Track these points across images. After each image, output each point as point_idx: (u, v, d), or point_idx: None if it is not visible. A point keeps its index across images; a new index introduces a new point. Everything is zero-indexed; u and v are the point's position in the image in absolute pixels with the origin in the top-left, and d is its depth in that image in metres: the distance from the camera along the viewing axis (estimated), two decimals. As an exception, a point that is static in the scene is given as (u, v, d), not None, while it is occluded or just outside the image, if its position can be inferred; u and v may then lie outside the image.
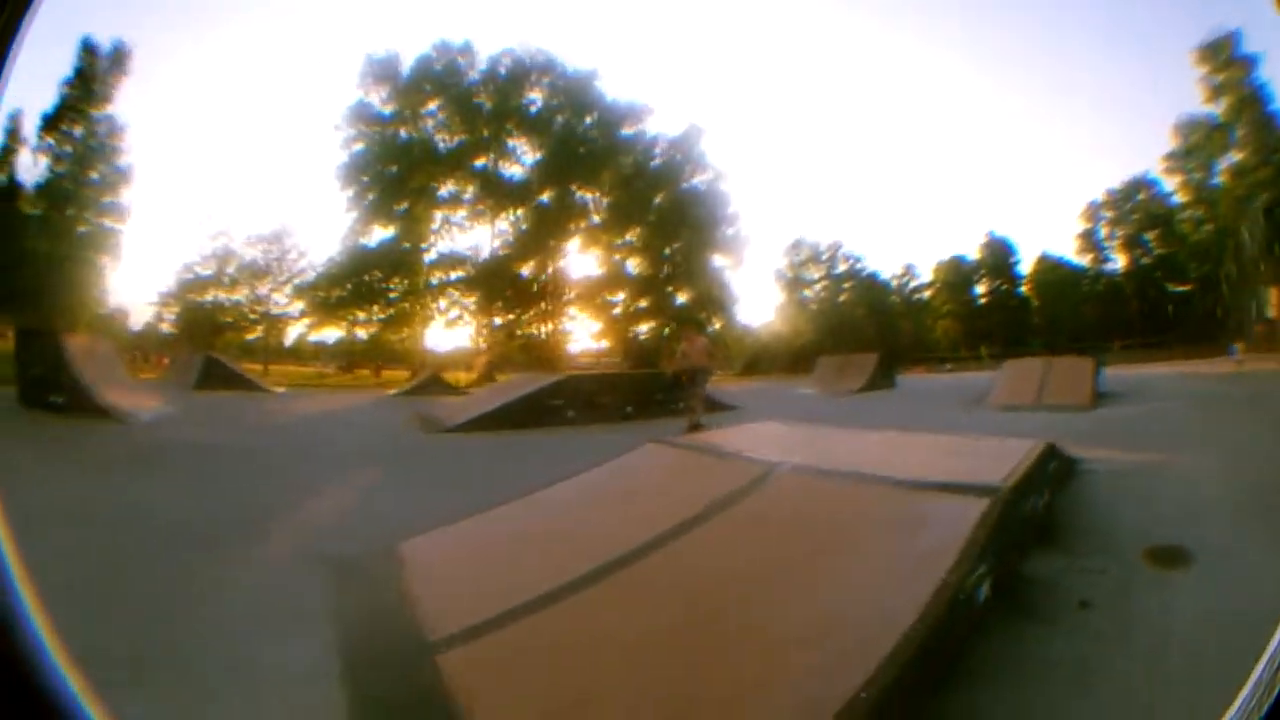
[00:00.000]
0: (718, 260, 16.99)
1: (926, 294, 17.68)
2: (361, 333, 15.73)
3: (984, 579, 2.65)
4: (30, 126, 11.03)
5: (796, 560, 2.97)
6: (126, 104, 11.53)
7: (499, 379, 14.47)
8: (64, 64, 10.82)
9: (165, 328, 14.24)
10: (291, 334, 15.51)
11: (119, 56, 11.13)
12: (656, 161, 16.46)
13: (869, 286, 17.68)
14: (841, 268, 17.73)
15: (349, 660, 2.50)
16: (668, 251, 16.53)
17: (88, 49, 10.89)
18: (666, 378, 9.87)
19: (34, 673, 1.01)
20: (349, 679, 2.37)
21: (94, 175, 11.68)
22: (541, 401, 9.26)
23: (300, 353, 15.35)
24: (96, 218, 11.76)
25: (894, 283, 17.83)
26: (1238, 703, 1.07)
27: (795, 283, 17.47)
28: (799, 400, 12.60)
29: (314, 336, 15.69)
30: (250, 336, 14.88)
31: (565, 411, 9.15)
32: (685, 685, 2.20)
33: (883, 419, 8.89)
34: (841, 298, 17.51)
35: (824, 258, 17.68)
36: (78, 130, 11.43)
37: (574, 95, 16.00)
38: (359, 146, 15.31)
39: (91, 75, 11.01)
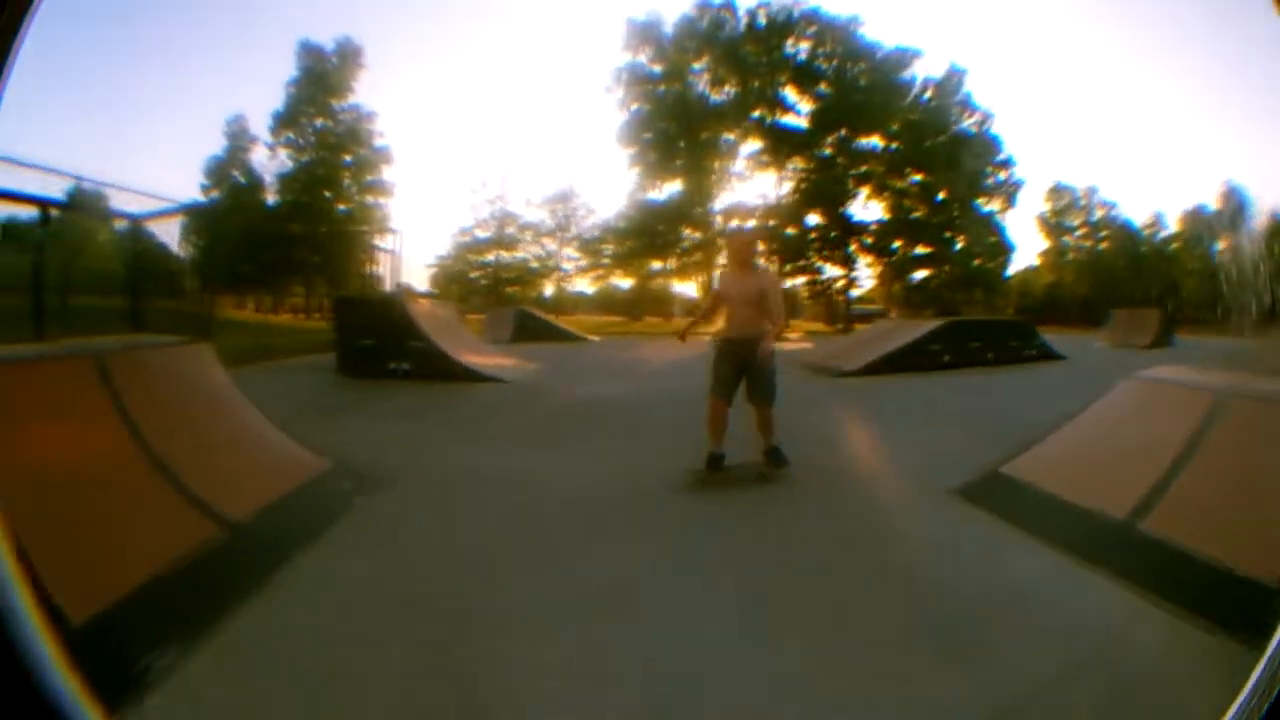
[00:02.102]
0: (988, 206, 16.30)
1: (1174, 246, 15.19)
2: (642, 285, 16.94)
3: None
4: (259, 127, 12.09)
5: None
6: (373, 93, 12.60)
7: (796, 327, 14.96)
8: (273, 68, 11.95)
9: (456, 286, 15.57)
10: (575, 287, 16.99)
11: (350, 52, 12.27)
12: (928, 105, 15.94)
13: (1125, 236, 15.73)
14: (1098, 214, 16.02)
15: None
16: (941, 197, 16.10)
17: (310, 50, 12.06)
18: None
19: (34, 673, 1.01)
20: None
21: (347, 158, 12.70)
22: (923, 346, 9.55)
23: (560, 304, 16.54)
24: (359, 195, 12.80)
25: (1144, 232, 15.68)
26: (1238, 703, 1.05)
27: (1057, 229, 16.40)
28: (1106, 354, 11.79)
29: (572, 288, 17.07)
30: (533, 293, 16.25)
31: (941, 356, 9.42)
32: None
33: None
34: (1102, 245, 15.90)
35: (1080, 204, 16.11)
36: (318, 122, 12.44)
37: (842, 42, 15.80)
38: (635, 106, 16.08)
39: (323, 72, 12.09)
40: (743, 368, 4.70)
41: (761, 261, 5.51)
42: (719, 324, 5.03)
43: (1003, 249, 16.62)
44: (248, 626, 2.59)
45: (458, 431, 6.12)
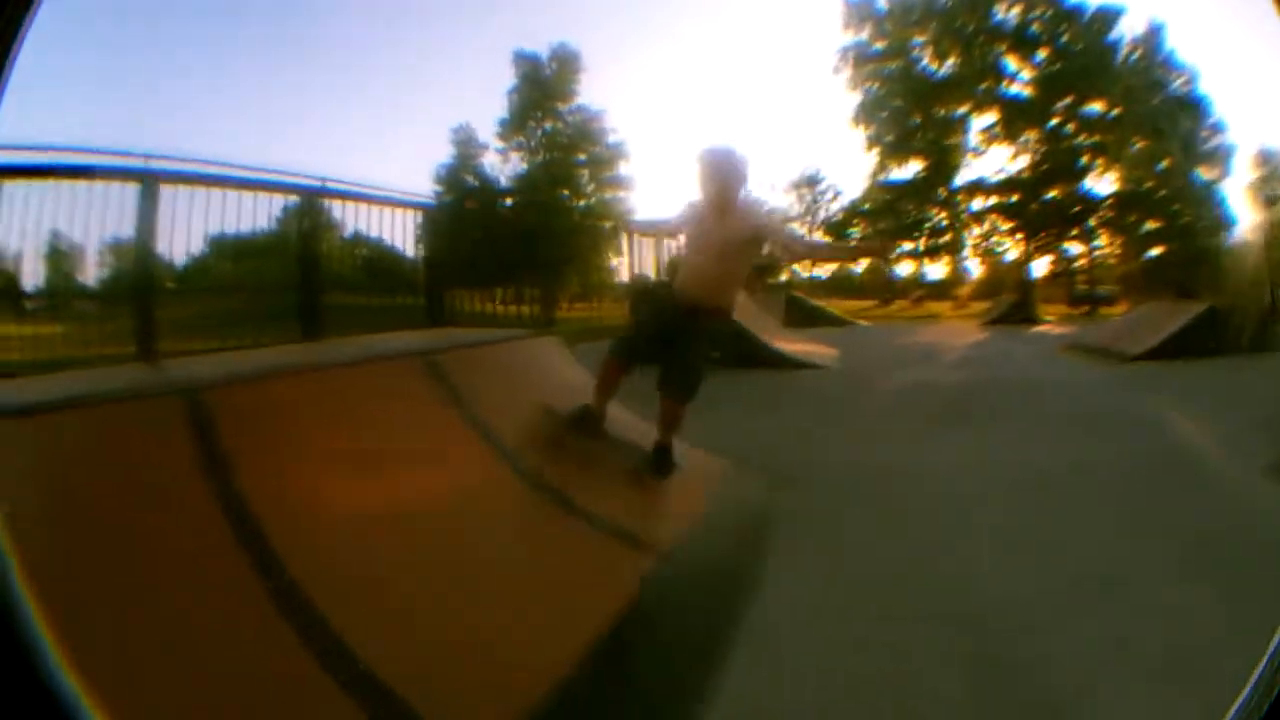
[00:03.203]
0: (1206, 175, 14.68)
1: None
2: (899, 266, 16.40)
3: None
4: (485, 134, 12.56)
5: None
6: (599, 91, 12.78)
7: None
8: (487, 78, 12.54)
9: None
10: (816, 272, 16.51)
11: (567, 56, 12.46)
12: (1136, 66, 14.74)
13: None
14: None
15: None
16: (1163, 166, 14.75)
17: (525, 59, 12.32)
18: None
19: (34, 673, 1.00)
20: None
21: (581, 157, 12.95)
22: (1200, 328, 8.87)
23: (796, 289, 15.88)
24: (597, 191, 13.07)
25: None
26: (1238, 703, 1.03)
27: (1270, 200, 14.35)
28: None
29: (812, 272, 16.56)
30: (783, 277, 15.77)
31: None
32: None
33: None
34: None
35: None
36: (547, 125, 12.69)
37: (1053, 4, 14.86)
38: (866, 85, 15.71)
39: (541, 79, 12.41)
40: (672, 338, 3.48)
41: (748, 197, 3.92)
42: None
43: (1224, 223, 14.80)
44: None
45: (823, 422, 5.71)
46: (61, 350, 4.78)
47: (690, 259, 3.63)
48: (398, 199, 7.75)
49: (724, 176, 3.52)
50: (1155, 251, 15.22)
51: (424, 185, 11.64)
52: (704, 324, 3.53)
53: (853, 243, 15.17)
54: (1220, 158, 14.61)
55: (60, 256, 5.54)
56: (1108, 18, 14.74)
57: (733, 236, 3.47)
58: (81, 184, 4.76)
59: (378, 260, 8.15)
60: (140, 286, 4.77)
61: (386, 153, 13.52)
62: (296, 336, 5.78)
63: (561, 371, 4.42)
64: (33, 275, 5.47)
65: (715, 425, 4.63)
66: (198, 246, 5.94)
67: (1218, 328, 8.90)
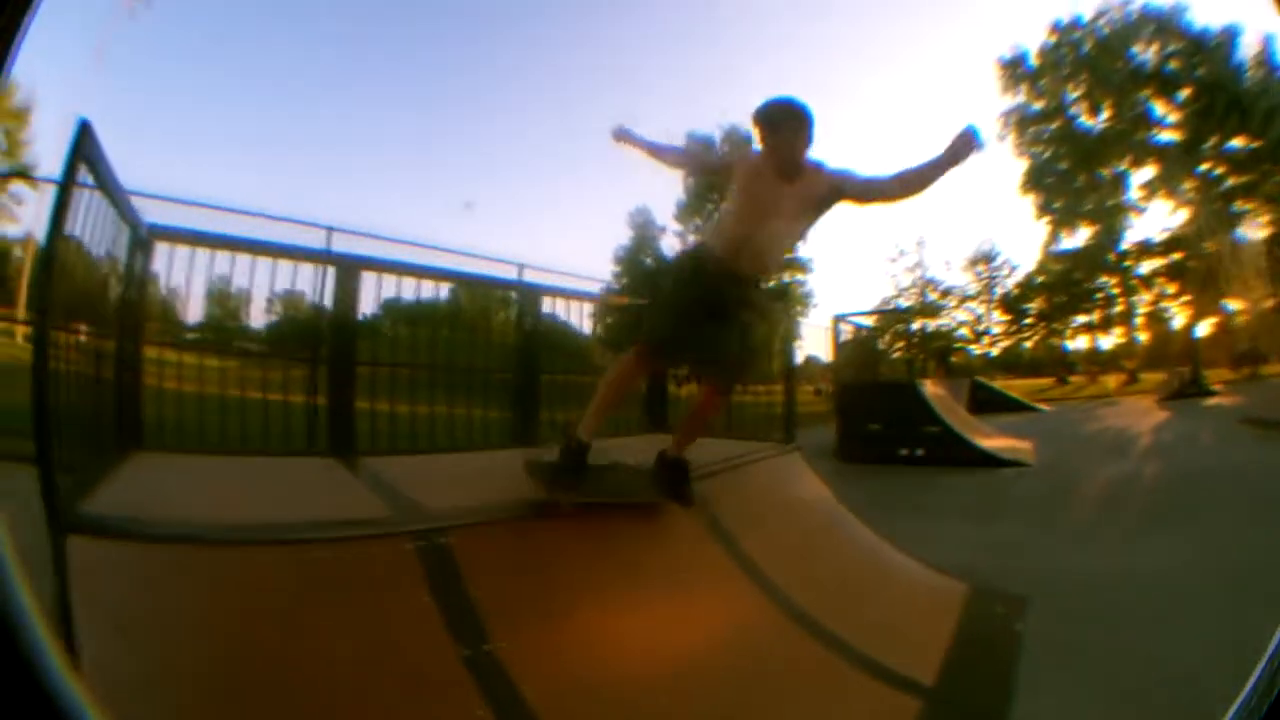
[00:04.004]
0: None
1: None
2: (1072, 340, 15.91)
3: None
4: (664, 217, 13.21)
5: None
6: None
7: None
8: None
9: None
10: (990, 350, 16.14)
11: (739, 140, 11.48)
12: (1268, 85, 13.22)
13: None
14: None
15: None
16: None
17: (699, 140, 11.74)
18: None
19: (35, 674, 0.99)
20: None
21: None
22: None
23: (970, 369, 15.78)
24: (784, 274, 13.16)
25: None
26: (1238, 703, 1.04)
27: None
28: None
29: (986, 351, 16.17)
30: (955, 359, 15.71)
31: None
32: None
33: None
34: None
35: None
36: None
37: (1183, 35, 14.03)
38: (1033, 149, 15.44)
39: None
40: (723, 316, 2.98)
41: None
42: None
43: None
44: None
45: (1038, 528, 5.46)
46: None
47: (745, 223, 3.09)
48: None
49: (796, 133, 3.07)
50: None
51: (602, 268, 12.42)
52: (755, 297, 3.19)
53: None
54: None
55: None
56: (1228, 39, 13.55)
57: (807, 196, 3.08)
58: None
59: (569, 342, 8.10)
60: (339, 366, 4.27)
61: (567, 235, 14.00)
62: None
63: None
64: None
65: (920, 536, 4.63)
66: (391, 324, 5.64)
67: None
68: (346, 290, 4.13)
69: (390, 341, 5.45)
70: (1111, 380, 15.03)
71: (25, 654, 1.00)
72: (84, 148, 2.62)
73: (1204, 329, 14.52)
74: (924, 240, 14.85)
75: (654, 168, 3.27)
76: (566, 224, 13.97)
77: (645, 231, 13.04)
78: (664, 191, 13.22)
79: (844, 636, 2.96)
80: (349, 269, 4.17)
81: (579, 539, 2.81)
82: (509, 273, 5.99)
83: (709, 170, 3.39)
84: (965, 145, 2.87)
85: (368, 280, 4.28)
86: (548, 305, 5.39)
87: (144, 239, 3.50)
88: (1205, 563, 4.15)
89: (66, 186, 2.56)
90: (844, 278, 17.51)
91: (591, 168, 13.16)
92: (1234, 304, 14.12)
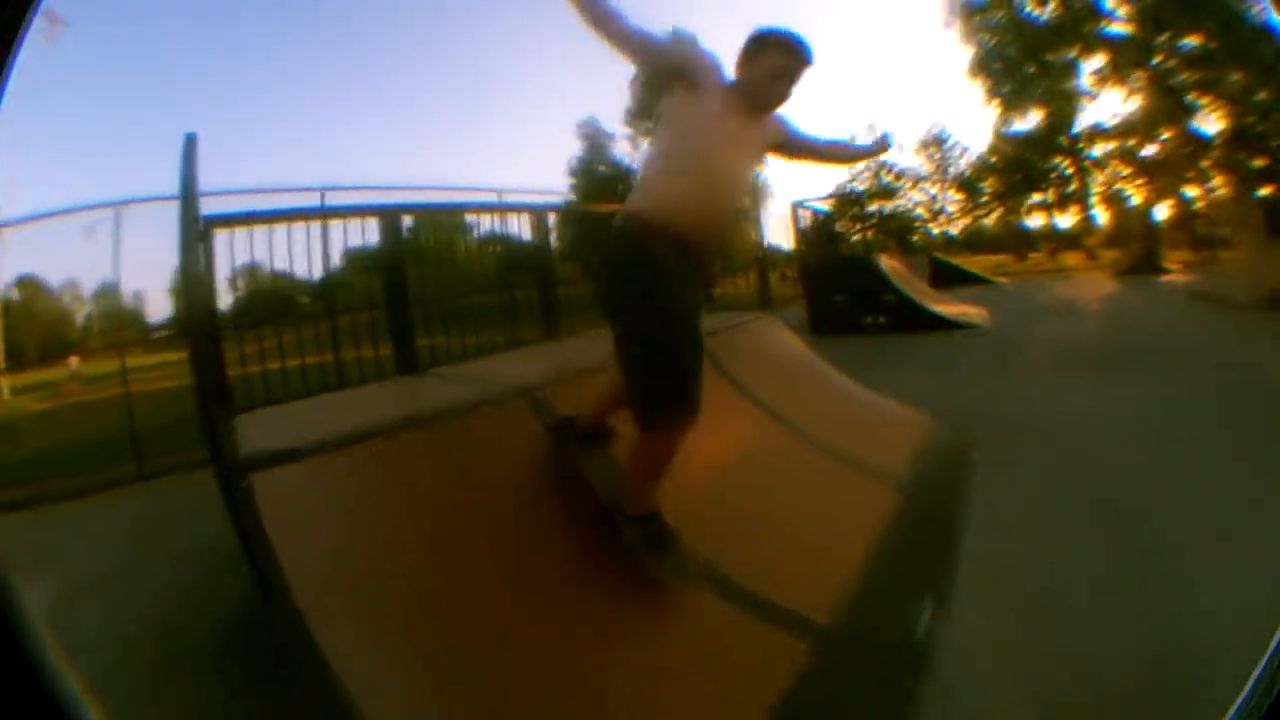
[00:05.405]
0: None
1: None
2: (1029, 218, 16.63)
3: None
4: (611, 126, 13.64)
5: None
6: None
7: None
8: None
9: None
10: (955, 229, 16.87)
11: (687, 39, 13.25)
12: None
13: None
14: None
15: None
16: (1258, 98, 13.61)
17: None
18: None
19: (34, 674, 1.00)
20: None
21: None
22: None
23: (931, 248, 16.06)
24: None
25: None
26: (1238, 703, 1.03)
27: None
28: None
29: (945, 229, 16.84)
30: (915, 238, 16.25)
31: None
32: None
33: None
34: None
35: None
36: None
37: None
38: (979, 37, 15.76)
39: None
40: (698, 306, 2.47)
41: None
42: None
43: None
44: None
45: (996, 376, 6.24)
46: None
47: (699, 174, 2.25)
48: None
49: (794, 80, 2.40)
50: (1264, 191, 14.08)
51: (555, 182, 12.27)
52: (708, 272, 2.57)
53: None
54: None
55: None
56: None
57: (763, 143, 2.52)
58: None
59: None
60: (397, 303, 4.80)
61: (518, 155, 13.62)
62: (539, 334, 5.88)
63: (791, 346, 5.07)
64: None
65: (885, 385, 5.18)
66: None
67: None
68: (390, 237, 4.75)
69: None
70: (1071, 258, 15.80)
71: (26, 655, 1.00)
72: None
73: (1164, 212, 15.27)
74: (875, 124, 15.00)
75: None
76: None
77: (596, 140, 13.31)
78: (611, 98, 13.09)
79: (837, 446, 3.64)
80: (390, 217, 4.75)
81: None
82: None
83: (661, 68, 2.36)
84: (881, 147, 3.15)
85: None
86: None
87: (204, 230, 3.68)
88: (1133, 400, 4.89)
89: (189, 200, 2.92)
90: (798, 165, 17.67)
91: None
92: (1191, 191, 14.92)
